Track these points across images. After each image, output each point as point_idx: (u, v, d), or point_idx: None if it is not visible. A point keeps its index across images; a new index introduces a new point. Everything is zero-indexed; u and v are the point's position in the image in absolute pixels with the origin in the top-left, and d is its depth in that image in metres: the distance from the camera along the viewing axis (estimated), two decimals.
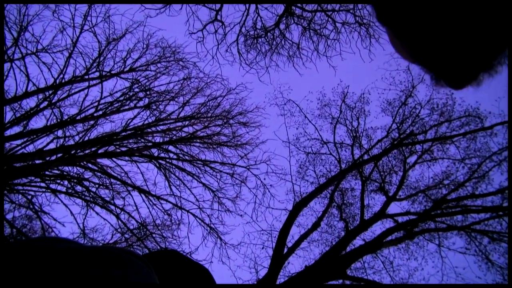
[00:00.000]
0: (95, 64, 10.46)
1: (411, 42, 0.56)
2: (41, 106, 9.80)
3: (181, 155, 11.02)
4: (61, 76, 9.92)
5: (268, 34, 10.55)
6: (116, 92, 10.79)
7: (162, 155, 10.84)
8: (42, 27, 9.64)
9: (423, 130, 10.85)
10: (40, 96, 9.80)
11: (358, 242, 8.92)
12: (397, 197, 10.56)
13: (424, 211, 9.65)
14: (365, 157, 10.50)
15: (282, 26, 10.49)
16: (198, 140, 11.50)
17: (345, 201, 10.91)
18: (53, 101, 9.73)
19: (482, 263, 9.81)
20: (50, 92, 9.78)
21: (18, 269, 0.54)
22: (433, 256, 10.04)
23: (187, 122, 11.65)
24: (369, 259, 9.58)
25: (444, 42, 0.52)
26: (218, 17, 10.17)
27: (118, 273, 0.60)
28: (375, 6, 0.59)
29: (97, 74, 10.46)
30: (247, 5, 9.98)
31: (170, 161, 10.81)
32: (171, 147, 11.14)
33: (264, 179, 10.10)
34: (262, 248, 8.47)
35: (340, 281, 7.22)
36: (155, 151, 10.97)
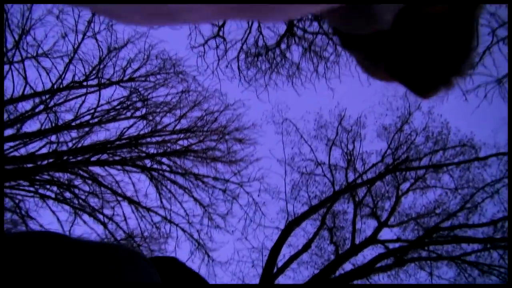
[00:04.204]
0: (94, 72, 10.45)
1: (385, 63, 0.59)
2: (37, 110, 9.73)
3: (174, 168, 10.94)
4: (60, 81, 9.90)
5: (269, 52, 10.66)
6: (114, 100, 10.75)
7: (155, 166, 10.75)
8: (44, 32, 9.62)
9: (418, 157, 10.89)
10: (37, 100, 9.75)
11: (348, 266, 8.82)
12: (389, 223, 10.51)
13: (415, 239, 9.60)
14: (359, 180, 10.48)
15: (283, 46, 10.61)
16: (192, 154, 11.43)
17: (336, 225, 10.82)
18: (50, 105, 9.67)
19: None
20: (47, 96, 9.73)
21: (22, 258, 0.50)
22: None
23: (182, 135, 11.61)
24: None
25: (412, 58, 0.57)
26: (221, 33, 10.27)
27: (113, 269, 0.57)
28: (340, 36, 0.63)
29: (96, 81, 10.45)
30: (250, 23, 10.09)
31: (162, 173, 10.72)
32: (164, 159, 11.07)
33: (258, 195, 10.03)
34: (252, 266, 8.34)
35: None
36: (148, 162, 10.88)
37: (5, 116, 9.20)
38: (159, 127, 11.37)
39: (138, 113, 11.17)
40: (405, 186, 11.26)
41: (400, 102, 11.36)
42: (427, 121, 11.24)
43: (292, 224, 7.76)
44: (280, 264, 7.70)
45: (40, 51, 9.62)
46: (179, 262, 0.90)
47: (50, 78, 9.74)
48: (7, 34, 9.09)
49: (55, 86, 9.81)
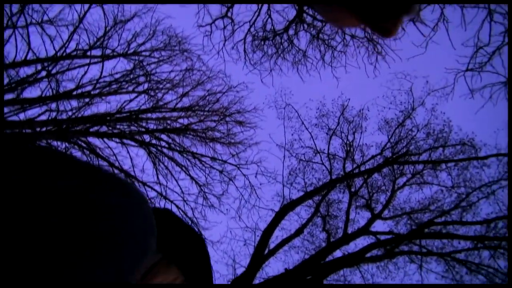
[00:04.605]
0: (98, 43, 10.35)
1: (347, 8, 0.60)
2: (39, 76, 9.66)
3: (172, 145, 10.92)
4: (63, 49, 9.80)
5: (276, 37, 10.54)
6: (117, 73, 10.68)
7: (154, 142, 10.73)
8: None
9: (418, 152, 10.89)
10: (39, 66, 9.66)
11: (338, 254, 8.89)
12: (382, 216, 10.56)
13: (407, 233, 9.65)
14: (357, 171, 10.50)
15: (291, 32, 10.48)
16: (192, 133, 11.40)
17: (330, 213, 10.87)
18: (52, 72, 9.58)
19: None
20: (49, 63, 9.64)
21: None
22: (409, 279, 10.03)
23: (183, 114, 11.55)
24: (347, 273, 9.54)
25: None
26: (229, 14, 10.14)
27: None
28: None
29: (100, 52, 10.35)
30: (260, 5, 9.96)
31: (161, 149, 10.70)
32: (163, 136, 11.04)
33: (256, 176, 10.04)
34: (244, 244, 8.39)
35: None
36: (147, 137, 10.85)
37: (6, 80, 9.13)
38: (160, 103, 11.32)
39: (140, 88, 11.11)
40: (401, 180, 11.30)
41: (405, 97, 11.33)
42: (430, 118, 11.22)
43: (287, 208, 7.79)
44: (272, 246, 7.77)
45: (45, 18, 9.51)
46: (174, 214, 0.87)
47: (53, 46, 9.64)
48: None
49: (58, 54, 9.72)
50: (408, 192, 11.41)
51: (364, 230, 9.49)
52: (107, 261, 0.43)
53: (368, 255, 8.09)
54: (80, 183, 0.45)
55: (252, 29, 10.32)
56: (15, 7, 9.05)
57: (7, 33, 8.92)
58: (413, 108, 11.06)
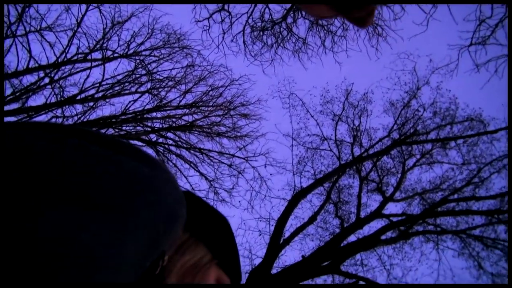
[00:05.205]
0: (98, 46, 10.35)
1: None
2: (42, 83, 9.70)
3: (179, 142, 10.94)
4: (64, 55, 9.81)
5: (275, 26, 10.46)
6: (119, 74, 10.69)
7: (161, 141, 10.75)
8: (47, 5, 9.53)
9: (425, 132, 10.80)
10: (41, 73, 9.70)
11: (352, 239, 8.89)
12: (394, 198, 10.52)
13: (420, 213, 9.62)
14: (365, 155, 10.46)
15: (289, 20, 10.40)
16: (198, 129, 11.40)
17: (341, 199, 10.85)
18: (55, 78, 9.62)
19: (474, 270, 9.82)
20: (51, 70, 9.67)
21: None
22: (426, 258, 10.03)
23: (187, 111, 11.55)
24: (363, 257, 9.54)
25: None
26: (226, 7, 10.07)
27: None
28: None
29: (100, 55, 10.35)
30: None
31: (168, 147, 10.73)
32: (169, 134, 11.06)
33: (265, 167, 10.04)
34: (260, 235, 8.43)
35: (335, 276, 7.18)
36: (153, 137, 10.88)
37: (10, 90, 9.18)
38: (164, 102, 11.32)
39: (142, 88, 11.11)
40: (411, 161, 11.24)
41: (409, 77, 11.23)
42: (435, 96, 11.12)
43: (299, 196, 7.80)
44: (286, 234, 7.79)
45: (43, 24, 9.53)
46: (196, 195, 0.87)
47: (54, 52, 9.66)
48: (10, 7, 8.96)
49: (59, 60, 9.74)
50: (419, 173, 11.36)
51: (377, 214, 9.47)
52: (143, 224, 0.43)
53: (383, 237, 8.08)
54: (110, 153, 0.45)
55: (250, 20, 10.25)
56: (13, 16, 9.07)
57: (7, 42, 8.95)
58: (418, 87, 10.97)
